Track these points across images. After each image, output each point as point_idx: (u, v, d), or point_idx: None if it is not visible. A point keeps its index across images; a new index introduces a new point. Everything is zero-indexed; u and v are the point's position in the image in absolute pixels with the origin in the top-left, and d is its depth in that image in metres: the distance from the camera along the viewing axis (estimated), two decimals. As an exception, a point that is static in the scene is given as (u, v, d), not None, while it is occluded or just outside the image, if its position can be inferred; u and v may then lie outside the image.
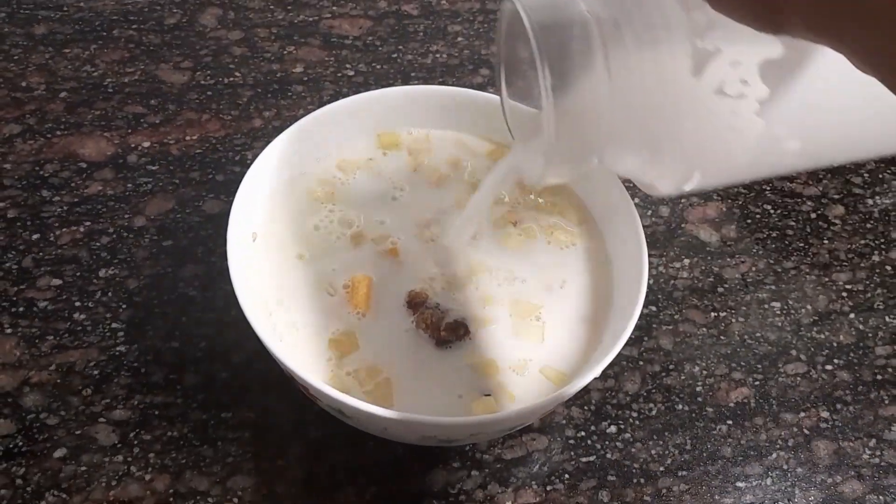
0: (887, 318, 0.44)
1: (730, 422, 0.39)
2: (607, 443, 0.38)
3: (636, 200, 0.38)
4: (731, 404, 0.40)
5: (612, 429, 0.38)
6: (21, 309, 0.39)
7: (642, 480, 0.37)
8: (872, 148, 0.30)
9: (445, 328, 0.35)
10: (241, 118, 0.48)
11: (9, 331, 0.38)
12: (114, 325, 0.39)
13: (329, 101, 0.38)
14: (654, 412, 0.39)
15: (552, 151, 0.26)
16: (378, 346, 0.34)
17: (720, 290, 0.44)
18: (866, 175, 0.51)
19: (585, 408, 0.39)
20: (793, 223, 0.48)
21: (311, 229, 0.37)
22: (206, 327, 0.39)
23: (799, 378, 0.41)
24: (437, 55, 0.53)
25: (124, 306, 0.40)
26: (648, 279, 0.34)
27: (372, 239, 0.37)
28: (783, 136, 0.24)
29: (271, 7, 0.54)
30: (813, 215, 0.48)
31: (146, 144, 0.46)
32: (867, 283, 0.45)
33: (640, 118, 0.24)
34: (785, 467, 0.38)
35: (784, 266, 0.46)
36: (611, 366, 0.32)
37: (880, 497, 0.38)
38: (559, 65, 0.23)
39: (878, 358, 0.42)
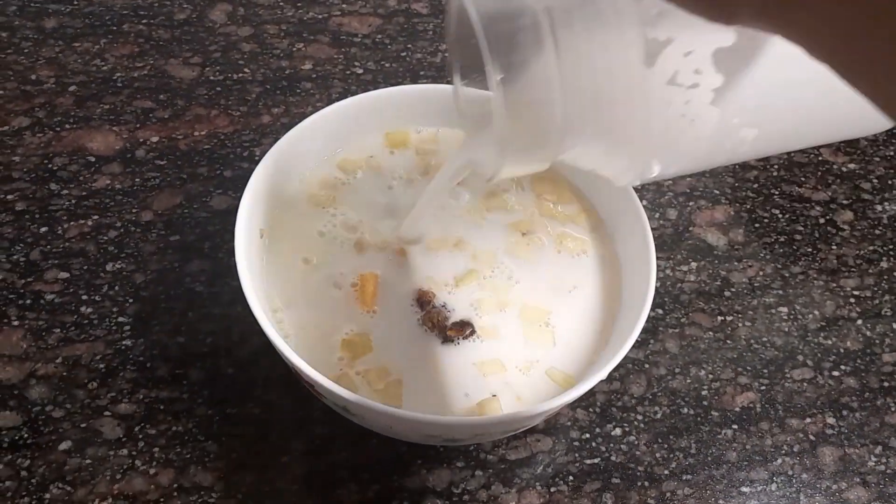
0: (895, 325, 0.44)
1: (735, 426, 0.39)
2: (612, 445, 0.38)
3: (644, 203, 0.38)
4: (737, 409, 0.40)
5: (617, 431, 0.38)
6: (28, 301, 0.39)
7: (646, 484, 0.37)
8: (826, 133, 0.29)
9: (452, 327, 0.35)
10: (249, 114, 0.48)
11: (16, 323, 0.39)
12: (120, 319, 0.39)
13: (337, 99, 0.38)
14: (659, 415, 0.39)
15: (506, 141, 0.25)
16: (388, 347, 0.34)
17: (727, 293, 0.44)
18: (875, 181, 0.50)
19: (590, 410, 0.39)
20: (801, 228, 0.47)
21: (316, 235, 0.37)
22: (213, 323, 0.39)
23: (805, 384, 0.41)
24: (447, 54, 0.53)
25: (131, 300, 0.40)
26: (655, 282, 0.33)
27: (375, 244, 0.37)
28: (739, 125, 0.24)
29: (281, 4, 0.54)
30: (821, 220, 0.48)
31: (154, 139, 0.46)
32: (875, 289, 0.45)
33: (593, 107, 0.24)
34: (790, 473, 0.38)
35: (792, 271, 0.45)
36: (616, 368, 0.32)
37: (885, 504, 0.38)
38: (507, 53, 0.23)
39: (885, 365, 0.42)
